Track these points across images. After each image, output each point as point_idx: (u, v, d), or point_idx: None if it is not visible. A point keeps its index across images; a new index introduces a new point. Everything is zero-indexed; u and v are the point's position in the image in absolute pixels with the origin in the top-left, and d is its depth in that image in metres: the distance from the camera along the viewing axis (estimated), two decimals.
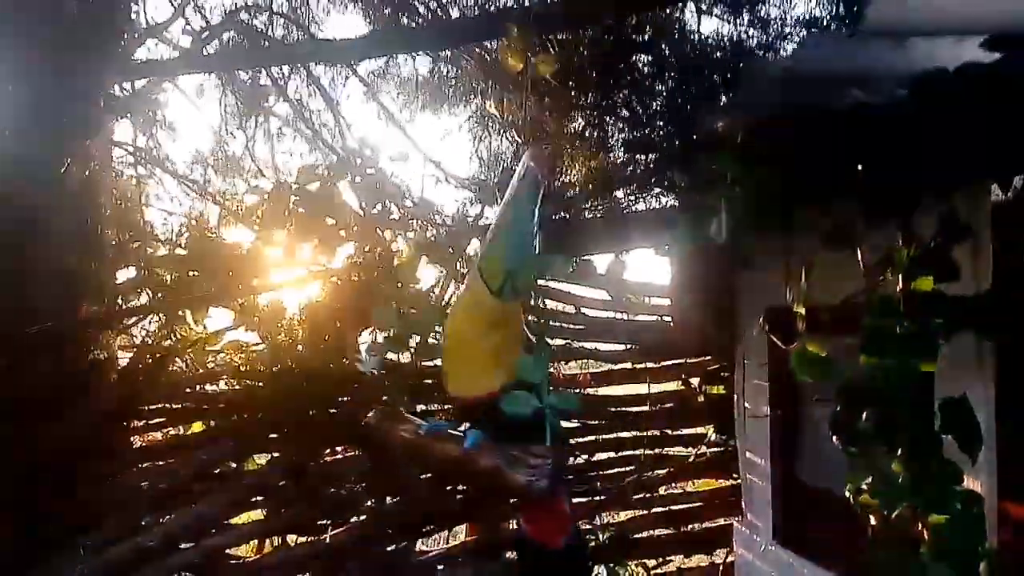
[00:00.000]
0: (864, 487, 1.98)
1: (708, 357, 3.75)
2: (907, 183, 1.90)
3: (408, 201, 3.80)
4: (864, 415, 1.95)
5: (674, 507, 3.72)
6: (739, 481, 3.54)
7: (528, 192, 1.31)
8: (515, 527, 1.80)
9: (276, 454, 3.26)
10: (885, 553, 1.88)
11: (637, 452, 3.69)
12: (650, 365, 3.74)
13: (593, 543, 3.39)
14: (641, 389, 3.71)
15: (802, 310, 1.98)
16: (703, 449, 3.72)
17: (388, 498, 3.38)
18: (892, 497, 1.83)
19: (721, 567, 3.63)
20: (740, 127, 2.21)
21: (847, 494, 2.01)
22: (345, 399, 3.33)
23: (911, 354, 1.83)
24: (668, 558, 3.78)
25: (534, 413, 1.40)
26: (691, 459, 3.72)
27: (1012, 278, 1.87)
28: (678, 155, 2.40)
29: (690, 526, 3.73)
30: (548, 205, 2.61)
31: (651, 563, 3.70)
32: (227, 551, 3.16)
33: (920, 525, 1.88)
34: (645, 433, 3.67)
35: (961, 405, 1.86)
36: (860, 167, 2.02)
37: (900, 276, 1.95)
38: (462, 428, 1.54)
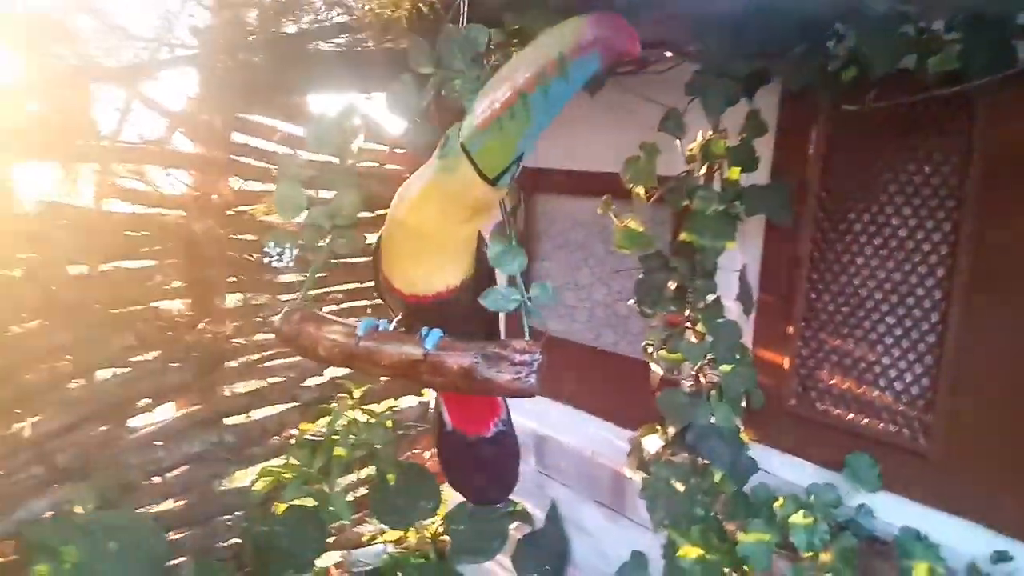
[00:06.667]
0: (658, 343, 2.33)
1: None
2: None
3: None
4: (667, 282, 2.26)
5: None
6: None
7: (579, 69, 1.10)
8: (435, 416, 1.68)
9: None
10: (678, 396, 2.25)
11: (359, 304, 3.66)
12: (366, 214, 3.64)
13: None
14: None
15: (641, 190, 2.15)
16: None
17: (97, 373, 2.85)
18: (696, 353, 2.18)
19: (431, 405, 3.88)
20: None
21: (647, 348, 2.33)
22: (29, 256, 2.64)
23: (722, 234, 2.14)
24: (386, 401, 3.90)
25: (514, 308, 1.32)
26: None
27: (786, 170, 2.27)
28: None
29: None
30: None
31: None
32: None
33: (703, 375, 2.30)
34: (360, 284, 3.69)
35: (744, 275, 2.27)
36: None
37: (708, 165, 2.23)
38: (422, 330, 1.35)
